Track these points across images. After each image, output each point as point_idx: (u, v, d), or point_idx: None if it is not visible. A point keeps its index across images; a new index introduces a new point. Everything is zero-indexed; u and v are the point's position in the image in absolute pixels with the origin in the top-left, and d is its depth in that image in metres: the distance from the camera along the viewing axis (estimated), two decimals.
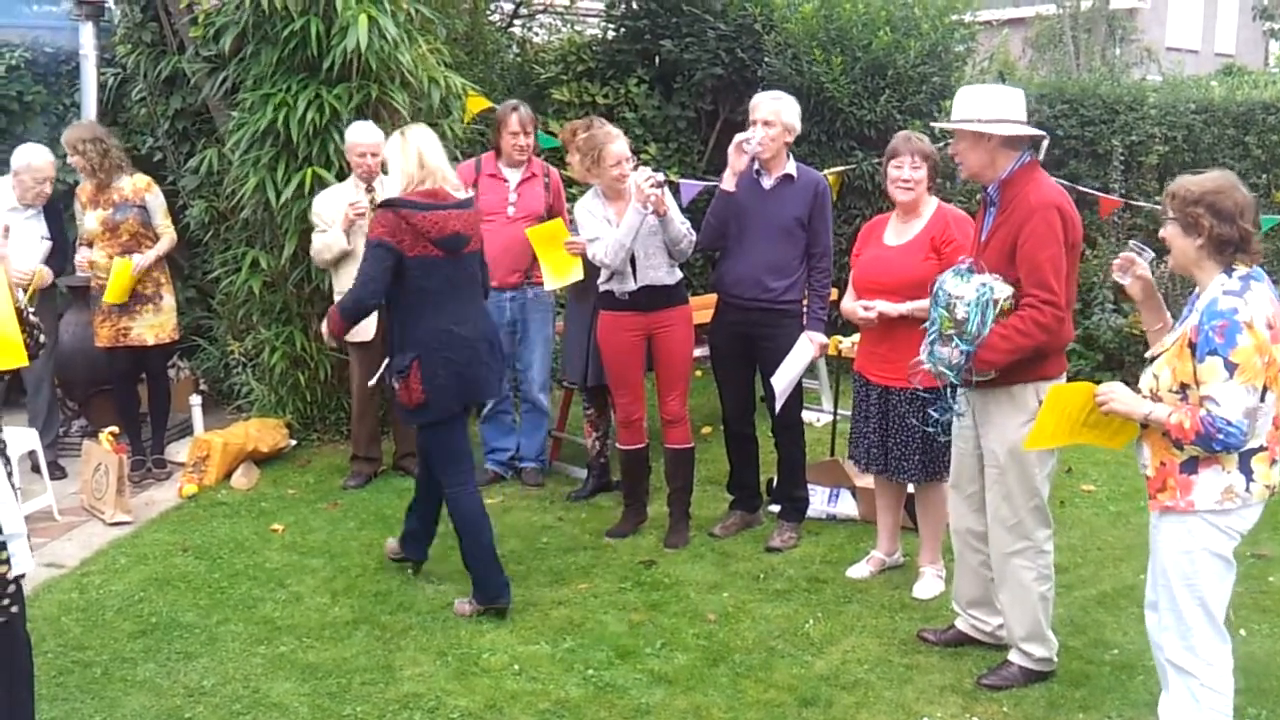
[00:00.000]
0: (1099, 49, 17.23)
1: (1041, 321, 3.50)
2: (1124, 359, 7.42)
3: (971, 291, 3.51)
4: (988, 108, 3.62)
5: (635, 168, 4.80)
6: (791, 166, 4.79)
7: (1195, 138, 7.78)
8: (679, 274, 4.94)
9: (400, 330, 4.21)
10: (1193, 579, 3.02)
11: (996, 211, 3.66)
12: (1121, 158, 7.77)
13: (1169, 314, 3.25)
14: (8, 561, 2.92)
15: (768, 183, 4.78)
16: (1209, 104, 7.85)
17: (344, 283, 5.60)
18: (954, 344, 3.55)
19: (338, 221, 5.52)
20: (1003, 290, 3.53)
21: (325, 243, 5.58)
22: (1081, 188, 7.24)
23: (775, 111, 4.70)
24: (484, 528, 4.35)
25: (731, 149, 4.71)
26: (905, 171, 4.30)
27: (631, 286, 4.82)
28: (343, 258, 5.57)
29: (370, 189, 5.61)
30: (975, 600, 3.99)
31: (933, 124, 7.18)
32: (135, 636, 4.17)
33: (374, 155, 5.48)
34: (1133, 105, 7.89)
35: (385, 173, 5.64)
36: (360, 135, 5.53)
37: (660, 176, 4.68)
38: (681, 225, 4.78)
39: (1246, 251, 2.96)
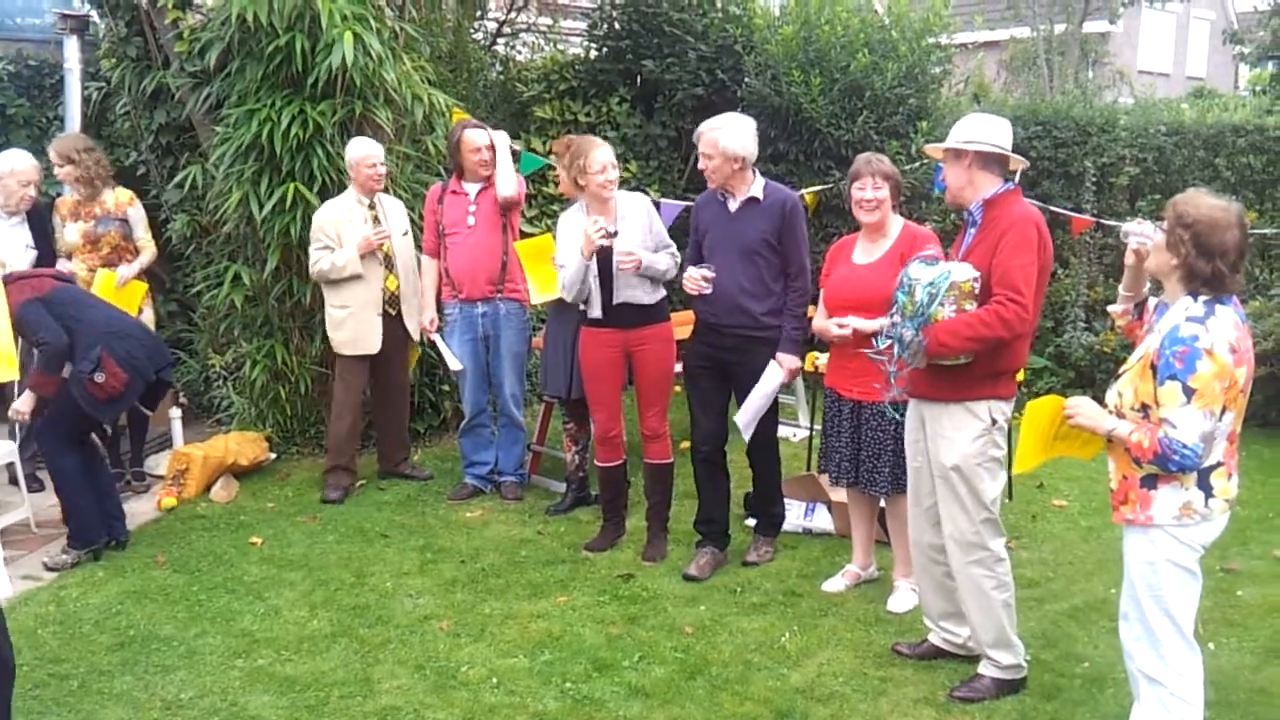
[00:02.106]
0: (1072, 72, 17.43)
1: (1005, 316, 3.55)
2: (1095, 376, 7.52)
3: (932, 274, 3.61)
4: (968, 131, 3.75)
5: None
6: (757, 189, 4.70)
7: (1166, 159, 7.91)
8: (662, 292, 4.96)
9: (74, 339, 4.72)
10: (1158, 590, 3.09)
11: (977, 230, 3.74)
12: (1093, 179, 7.90)
13: (1147, 290, 3.33)
14: None
15: (733, 205, 4.74)
16: (1180, 126, 7.98)
17: (343, 298, 5.70)
18: (907, 324, 3.63)
19: (347, 240, 5.59)
20: (964, 273, 3.60)
21: (335, 264, 5.62)
22: (1054, 208, 7.35)
23: (712, 143, 4.62)
24: (82, 474, 4.94)
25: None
26: (868, 192, 4.37)
27: (596, 313, 4.86)
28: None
29: (372, 205, 5.67)
30: (945, 613, 4.05)
31: (920, 147, 7.30)
32: (113, 649, 4.17)
33: (381, 164, 5.67)
34: (1105, 127, 8.02)
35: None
36: (368, 147, 5.66)
37: (611, 228, 4.66)
38: (661, 264, 4.80)
39: (1215, 290, 2.99)
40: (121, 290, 5.72)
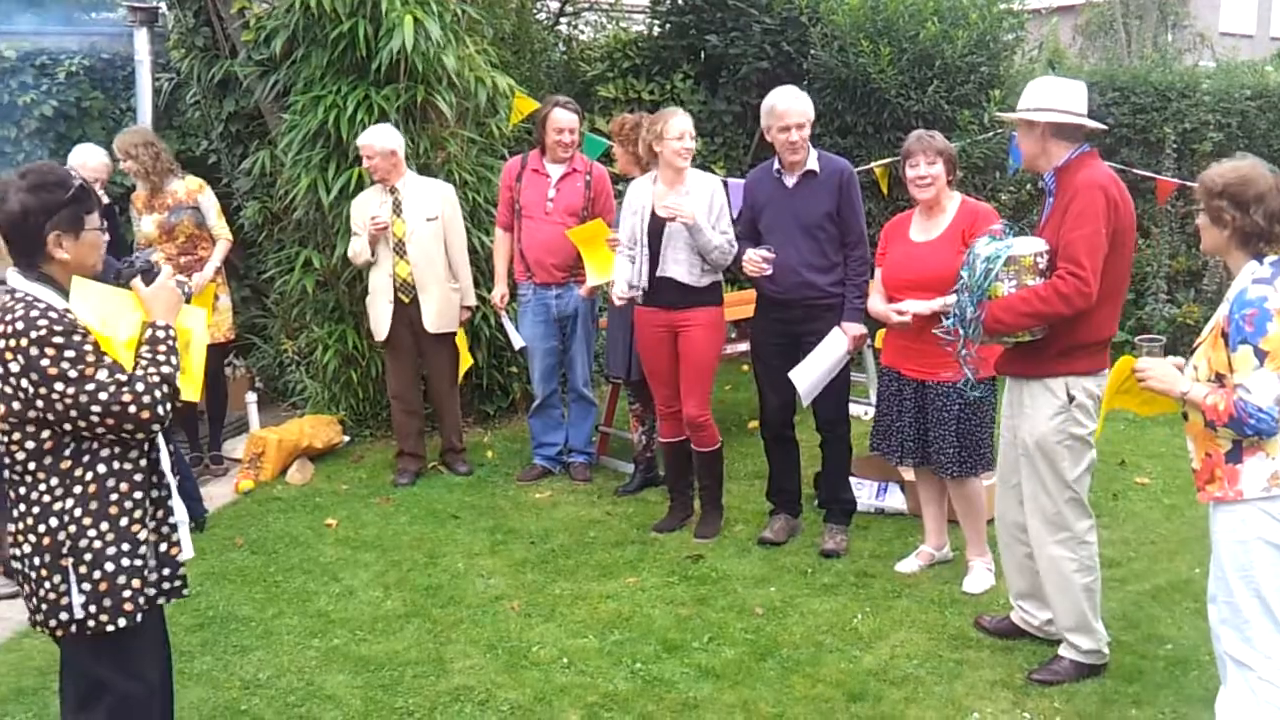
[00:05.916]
0: (1150, 35, 16.92)
1: (1063, 291, 3.44)
2: (1177, 349, 7.29)
3: (991, 249, 3.53)
4: (1040, 97, 3.64)
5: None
6: (814, 161, 4.68)
7: (1250, 124, 7.63)
8: (710, 278, 4.83)
9: None
10: (1248, 569, 2.98)
11: (1054, 199, 3.65)
12: (1174, 145, 7.65)
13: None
14: (178, 543, 2.99)
15: (790, 181, 4.70)
16: (1264, 89, 7.70)
17: (370, 284, 5.75)
18: (967, 300, 3.56)
19: (364, 229, 5.64)
20: (1026, 247, 3.51)
21: (352, 249, 5.74)
22: (1139, 171, 7.13)
23: (803, 112, 4.60)
24: None
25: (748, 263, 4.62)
26: (921, 168, 4.28)
27: (637, 280, 4.85)
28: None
29: (393, 190, 5.66)
30: (1024, 593, 3.96)
31: (994, 116, 7.11)
32: (192, 630, 4.27)
33: (369, 158, 5.58)
34: (1185, 92, 7.76)
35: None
36: (361, 137, 5.65)
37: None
38: (716, 238, 4.68)
39: (1272, 241, 2.94)
40: (198, 295, 5.76)
